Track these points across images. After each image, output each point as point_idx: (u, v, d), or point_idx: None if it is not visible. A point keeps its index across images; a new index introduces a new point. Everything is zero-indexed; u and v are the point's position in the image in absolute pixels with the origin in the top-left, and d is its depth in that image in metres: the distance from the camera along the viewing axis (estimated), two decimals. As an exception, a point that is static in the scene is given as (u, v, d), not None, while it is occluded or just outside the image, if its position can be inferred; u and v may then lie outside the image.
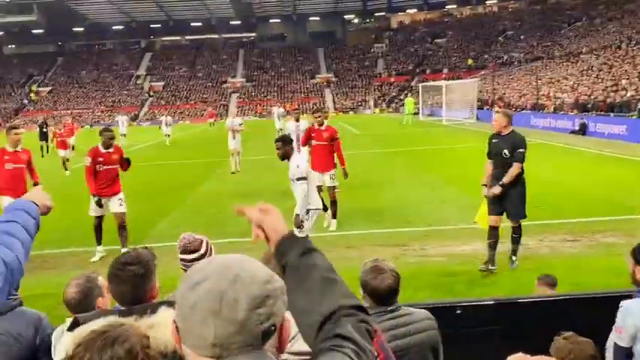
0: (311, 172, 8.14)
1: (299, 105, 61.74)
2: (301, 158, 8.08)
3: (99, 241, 9.27)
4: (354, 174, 16.27)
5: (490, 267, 7.48)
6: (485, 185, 7.77)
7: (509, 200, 7.54)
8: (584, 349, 3.07)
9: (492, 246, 7.58)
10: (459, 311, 4.06)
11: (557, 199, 11.72)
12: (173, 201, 14.10)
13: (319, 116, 11.12)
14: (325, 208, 10.30)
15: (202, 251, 3.38)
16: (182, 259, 3.40)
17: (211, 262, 1.23)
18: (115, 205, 9.28)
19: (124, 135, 34.41)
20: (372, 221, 10.94)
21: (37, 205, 2.28)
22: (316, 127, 11.05)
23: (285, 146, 7.85)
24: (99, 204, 9.18)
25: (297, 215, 7.69)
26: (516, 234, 7.71)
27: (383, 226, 10.45)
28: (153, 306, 2.21)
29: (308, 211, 7.77)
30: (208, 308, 1.14)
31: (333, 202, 10.72)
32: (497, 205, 7.58)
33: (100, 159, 9.24)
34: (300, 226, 7.70)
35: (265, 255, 2.68)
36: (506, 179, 7.45)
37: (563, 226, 9.74)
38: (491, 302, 4.49)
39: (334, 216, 10.69)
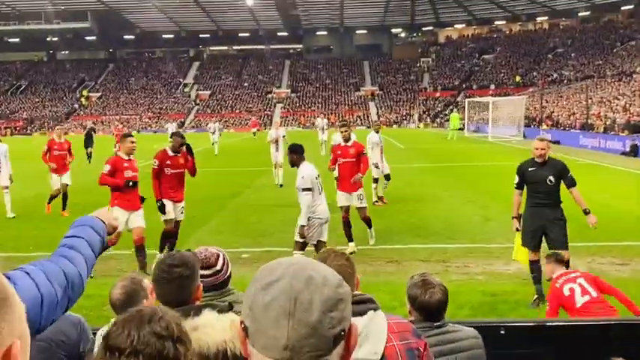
0: (317, 183, 8.00)
1: (348, 117, 61.76)
2: (308, 168, 7.96)
3: (162, 249, 8.94)
4: (398, 187, 16.23)
5: (540, 304, 6.95)
6: (517, 218, 7.42)
7: (553, 230, 7.14)
8: None
9: (537, 280, 7.19)
10: (502, 331, 3.96)
11: (606, 221, 11.31)
12: (214, 209, 14.18)
13: (345, 131, 10.51)
14: (350, 238, 9.81)
15: (218, 267, 3.26)
16: None
17: (281, 262, 1.20)
18: (177, 212, 9.26)
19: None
20: (414, 236, 10.82)
21: (104, 222, 2.23)
22: (342, 143, 10.48)
23: (293, 154, 7.98)
24: (162, 210, 8.99)
25: (302, 226, 7.76)
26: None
27: (425, 241, 10.32)
28: (196, 308, 2.22)
29: (309, 218, 7.78)
30: (282, 309, 1.11)
31: (365, 220, 10.23)
32: (536, 238, 7.23)
33: (168, 162, 9.13)
34: (304, 236, 7.76)
35: (319, 256, 2.68)
36: (585, 205, 7.17)
37: (612, 248, 9.47)
38: (537, 324, 4.37)
39: (370, 226, 10.30)
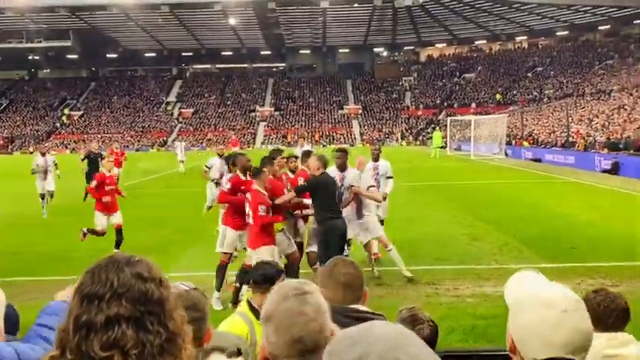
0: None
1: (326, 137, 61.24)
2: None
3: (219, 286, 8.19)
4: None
5: None
6: None
7: None
8: (616, 302, 2.99)
9: None
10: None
11: (594, 242, 11.38)
12: (192, 237, 13.99)
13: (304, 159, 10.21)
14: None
15: None
16: None
17: (364, 333, 1.05)
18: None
19: (183, 161, 32.89)
20: (403, 256, 10.70)
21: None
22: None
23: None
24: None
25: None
26: None
27: (414, 263, 10.23)
28: (205, 352, 2.12)
29: None
30: None
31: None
32: None
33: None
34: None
35: (327, 264, 2.63)
36: None
37: (601, 269, 9.41)
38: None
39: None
